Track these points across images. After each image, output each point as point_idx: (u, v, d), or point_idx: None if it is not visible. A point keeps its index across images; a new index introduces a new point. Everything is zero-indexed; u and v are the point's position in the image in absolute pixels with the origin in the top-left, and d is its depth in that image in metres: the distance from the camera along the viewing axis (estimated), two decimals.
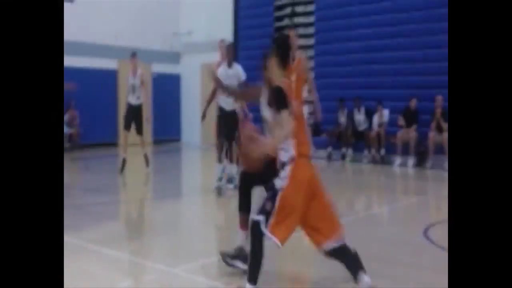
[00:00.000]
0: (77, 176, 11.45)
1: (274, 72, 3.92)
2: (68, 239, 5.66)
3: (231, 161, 8.84)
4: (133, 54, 10.82)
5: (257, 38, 16.03)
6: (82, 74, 15.27)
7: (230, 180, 8.76)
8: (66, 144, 15.01)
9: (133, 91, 10.62)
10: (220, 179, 8.61)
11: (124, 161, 10.57)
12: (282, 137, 3.62)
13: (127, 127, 10.67)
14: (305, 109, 6.61)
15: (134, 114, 10.61)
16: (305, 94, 6.58)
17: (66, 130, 15.09)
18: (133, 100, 10.64)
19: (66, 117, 15.14)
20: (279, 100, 3.66)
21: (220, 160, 8.66)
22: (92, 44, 15.82)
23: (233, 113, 8.55)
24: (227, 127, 8.47)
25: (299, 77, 8.73)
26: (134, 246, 5.87)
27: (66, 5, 13.86)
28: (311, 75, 6.47)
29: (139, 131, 10.68)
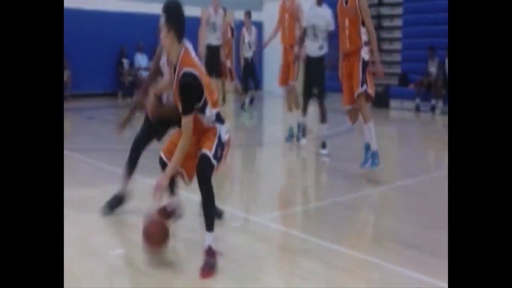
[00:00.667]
0: None
1: (173, 50, 3.46)
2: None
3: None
4: None
5: None
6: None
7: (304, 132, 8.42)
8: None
9: (213, 30, 10.11)
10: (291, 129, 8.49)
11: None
12: (185, 147, 3.47)
13: (212, 71, 9.96)
14: (364, 52, 6.01)
15: (215, 55, 10.20)
16: (364, 37, 6.04)
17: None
18: (213, 40, 10.16)
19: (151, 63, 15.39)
20: (187, 100, 3.42)
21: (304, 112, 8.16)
22: None
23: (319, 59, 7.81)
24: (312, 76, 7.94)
25: (291, 16, 8.36)
26: (217, 193, 5.88)
27: None
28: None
29: (219, 73, 10.38)
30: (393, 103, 14.21)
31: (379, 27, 15.46)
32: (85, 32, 13.52)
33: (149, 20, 15.66)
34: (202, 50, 9.94)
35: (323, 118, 7.77)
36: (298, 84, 8.56)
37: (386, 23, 15.56)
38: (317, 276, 3.58)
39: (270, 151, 8.74)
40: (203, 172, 3.54)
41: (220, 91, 10.76)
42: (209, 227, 3.58)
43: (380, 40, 15.47)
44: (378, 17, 15.42)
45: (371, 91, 6.07)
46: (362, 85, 6.00)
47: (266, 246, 4.28)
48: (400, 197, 5.76)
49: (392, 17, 15.47)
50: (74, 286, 3.32)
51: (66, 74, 13.74)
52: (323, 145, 7.66)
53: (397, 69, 14.93)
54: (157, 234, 3.62)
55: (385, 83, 14.71)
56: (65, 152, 7.24)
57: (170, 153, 3.58)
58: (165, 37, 3.46)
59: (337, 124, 9.89)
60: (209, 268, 3.51)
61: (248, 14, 11.86)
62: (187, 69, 3.40)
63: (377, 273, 3.64)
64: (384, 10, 15.55)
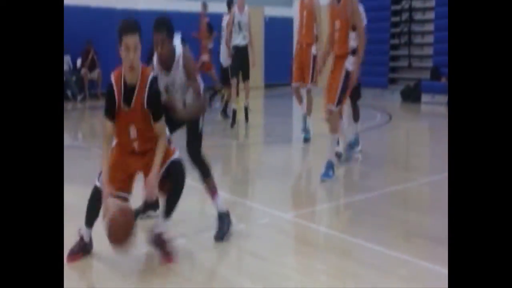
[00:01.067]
0: None
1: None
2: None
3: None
4: None
5: None
6: (190, 18, 15.34)
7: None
8: None
9: (239, 29, 9.52)
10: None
11: (235, 112, 9.72)
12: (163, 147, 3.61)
13: (235, 73, 9.70)
14: (349, 62, 5.61)
15: (242, 56, 9.58)
16: (352, 43, 5.68)
17: None
18: (239, 40, 9.54)
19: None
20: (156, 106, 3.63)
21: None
22: None
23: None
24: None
25: (309, 14, 8.09)
26: (246, 190, 5.88)
27: None
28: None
29: (246, 76, 9.68)
30: (425, 97, 13.98)
31: (410, 20, 15.25)
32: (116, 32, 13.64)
33: (181, 19, 15.79)
34: (230, 51, 9.74)
35: (356, 117, 7.38)
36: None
37: (418, 16, 15.32)
38: (345, 274, 3.53)
39: (294, 148, 8.66)
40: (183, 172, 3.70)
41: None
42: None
43: (411, 33, 15.29)
44: (409, 10, 15.20)
45: (343, 106, 6.10)
46: (337, 103, 5.72)
47: (293, 243, 4.25)
48: (430, 193, 5.66)
49: (424, 10, 15.22)
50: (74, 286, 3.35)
51: (97, 72, 13.92)
52: (356, 143, 7.33)
53: (429, 63, 14.68)
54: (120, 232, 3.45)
55: (417, 77, 14.50)
56: (94, 149, 7.37)
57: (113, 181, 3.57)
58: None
59: (367, 119, 9.74)
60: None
61: None
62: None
63: (406, 269, 3.58)
64: (416, 3, 15.31)
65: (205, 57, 11.92)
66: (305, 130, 8.30)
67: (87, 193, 3.68)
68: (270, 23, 17.58)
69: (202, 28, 12.08)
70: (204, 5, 12.24)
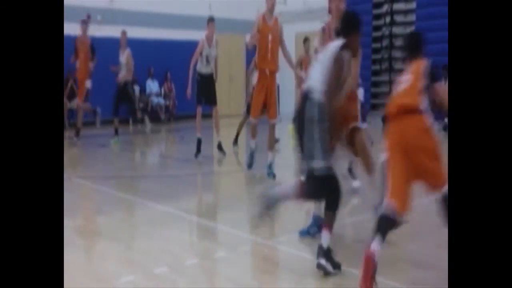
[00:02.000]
0: (173, 147, 11.65)
1: None
2: (165, 208, 5.76)
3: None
4: (210, 20, 9.23)
5: (354, 5, 15.53)
6: (177, 46, 15.45)
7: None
8: (163, 116, 15.44)
9: (207, 62, 9.08)
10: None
11: (199, 141, 9.18)
12: None
13: (200, 100, 9.21)
14: None
15: (207, 82, 9.13)
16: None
17: (162, 101, 15.55)
18: (205, 70, 9.11)
19: (162, 89, 15.64)
20: None
21: None
22: (186, 15, 15.95)
23: None
24: None
25: (275, 38, 7.43)
26: (229, 216, 5.85)
27: None
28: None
29: (212, 101, 9.27)
30: None
31: (391, 47, 15.48)
32: (99, 59, 13.59)
33: (160, 46, 15.89)
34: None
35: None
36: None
37: (398, 42, 15.56)
38: None
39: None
40: None
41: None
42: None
43: (392, 59, 15.51)
44: (390, 36, 15.44)
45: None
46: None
47: (275, 268, 4.22)
48: (411, 217, 5.68)
49: (404, 36, 15.47)
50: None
51: (75, 102, 13.85)
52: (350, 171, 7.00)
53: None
54: None
55: None
56: (75, 179, 7.31)
57: None
58: None
59: None
60: None
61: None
62: None
63: None
64: (396, 30, 15.56)
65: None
66: (270, 167, 7.47)
67: (67, 225, 3.64)
68: (253, 50, 17.63)
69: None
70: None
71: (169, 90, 15.83)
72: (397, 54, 15.51)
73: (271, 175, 7.42)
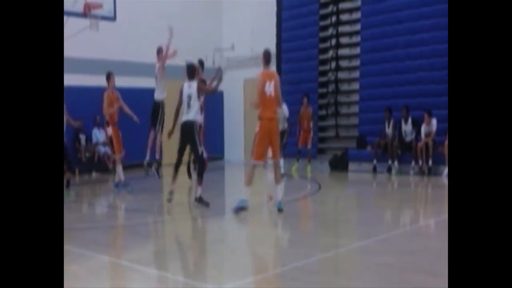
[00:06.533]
0: (121, 197, 11.34)
1: None
2: (115, 259, 5.58)
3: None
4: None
5: (301, 50, 15.85)
6: (123, 93, 15.24)
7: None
8: (110, 165, 14.97)
9: (188, 107, 8.87)
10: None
11: (171, 193, 9.10)
12: None
13: (182, 152, 9.08)
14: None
15: (187, 131, 8.81)
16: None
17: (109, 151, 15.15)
18: (187, 116, 8.81)
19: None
20: None
21: None
22: (133, 62, 15.85)
23: None
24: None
25: (275, 85, 7.92)
26: (180, 265, 5.69)
27: (108, 24, 13.99)
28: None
29: (194, 149, 9.07)
30: (352, 165, 14.33)
31: (337, 91, 15.77)
32: None
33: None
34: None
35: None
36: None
37: (344, 87, 15.88)
38: None
39: (231, 220, 8.55)
40: None
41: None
42: None
43: (338, 104, 15.77)
44: (336, 81, 15.75)
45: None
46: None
47: None
48: (360, 258, 5.67)
49: (349, 81, 15.80)
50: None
51: None
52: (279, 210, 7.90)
53: (355, 132, 15.13)
54: None
55: (344, 147, 14.85)
56: None
57: None
58: None
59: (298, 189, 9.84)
60: None
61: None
62: None
63: None
64: (342, 75, 15.89)
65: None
66: (280, 203, 8.06)
67: None
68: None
69: None
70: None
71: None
72: (342, 98, 15.81)
73: (281, 210, 8.03)
